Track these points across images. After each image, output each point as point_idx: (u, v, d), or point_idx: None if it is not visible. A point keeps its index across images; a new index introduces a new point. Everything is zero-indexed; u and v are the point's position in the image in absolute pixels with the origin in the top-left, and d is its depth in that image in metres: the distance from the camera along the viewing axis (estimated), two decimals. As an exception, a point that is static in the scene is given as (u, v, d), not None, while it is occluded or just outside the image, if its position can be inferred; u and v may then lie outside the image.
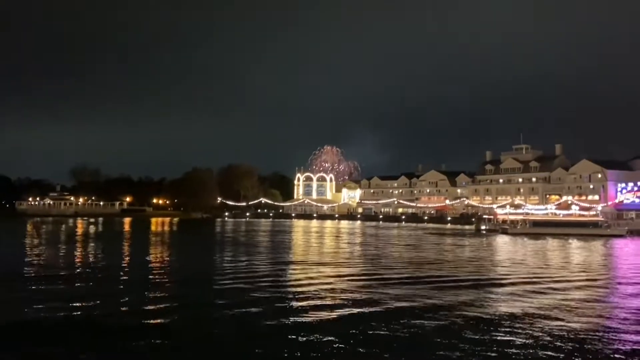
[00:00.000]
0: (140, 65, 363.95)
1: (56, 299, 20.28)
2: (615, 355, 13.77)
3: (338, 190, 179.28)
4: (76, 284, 24.45)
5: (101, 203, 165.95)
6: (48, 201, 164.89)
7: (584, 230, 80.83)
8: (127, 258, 38.17)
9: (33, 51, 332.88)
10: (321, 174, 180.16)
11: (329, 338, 15.18)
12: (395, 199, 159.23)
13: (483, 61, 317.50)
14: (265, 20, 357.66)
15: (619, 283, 27.71)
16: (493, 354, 13.76)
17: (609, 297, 23.26)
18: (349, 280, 26.83)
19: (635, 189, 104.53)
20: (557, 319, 17.97)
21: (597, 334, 16.06)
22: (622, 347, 14.45)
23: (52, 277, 26.38)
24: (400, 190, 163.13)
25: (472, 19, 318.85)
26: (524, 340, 15.15)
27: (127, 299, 20.99)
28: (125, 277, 27.52)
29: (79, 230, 77.50)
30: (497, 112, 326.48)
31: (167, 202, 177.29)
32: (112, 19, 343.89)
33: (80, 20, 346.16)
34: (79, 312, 18.31)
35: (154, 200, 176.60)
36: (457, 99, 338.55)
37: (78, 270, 29.67)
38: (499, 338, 15.05)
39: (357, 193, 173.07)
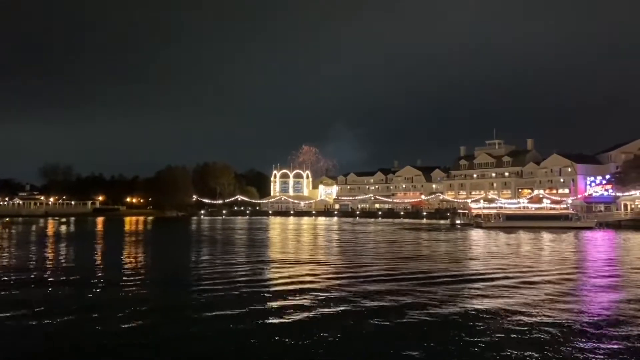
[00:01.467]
0: (113, 63, 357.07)
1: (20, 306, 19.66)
2: (590, 354, 14.01)
3: (315, 186, 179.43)
4: (37, 289, 23.77)
5: (72, 202, 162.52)
6: (17, 201, 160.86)
7: (555, 223, 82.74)
8: (97, 259, 37.28)
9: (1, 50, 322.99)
10: (298, 170, 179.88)
11: (308, 339, 15.10)
12: (371, 195, 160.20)
13: (460, 57, 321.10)
14: (242, 20, 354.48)
15: (592, 277, 28.28)
16: (463, 354, 13.84)
17: (583, 291, 23.72)
18: (326, 278, 26.79)
19: (604, 182, 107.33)
20: (531, 314, 18.23)
21: (572, 329, 16.34)
22: (597, 345, 14.71)
23: (16, 282, 25.58)
24: (377, 186, 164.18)
25: (448, 16, 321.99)
26: (499, 338, 15.31)
27: (94, 302, 20.52)
28: (93, 280, 26.88)
29: (50, 231, 75.67)
30: (472, 107, 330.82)
31: (141, 200, 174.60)
32: (83, 18, 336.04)
33: (48, 18, 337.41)
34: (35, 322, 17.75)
35: (128, 199, 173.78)
36: (432, 95, 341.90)
37: (44, 274, 28.86)
38: (468, 339, 15.13)
39: (334, 189, 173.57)
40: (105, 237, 62.74)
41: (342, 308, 18.97)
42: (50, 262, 34.61)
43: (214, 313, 18.12)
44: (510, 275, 27.87)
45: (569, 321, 17.02)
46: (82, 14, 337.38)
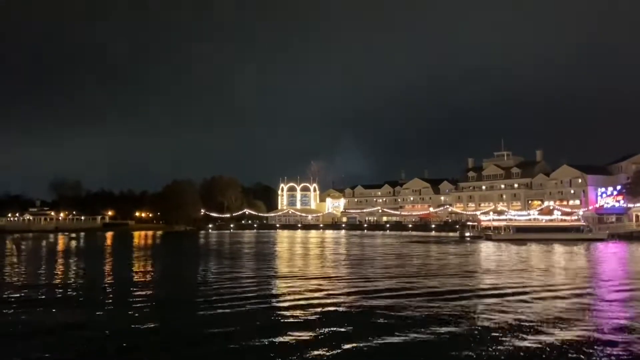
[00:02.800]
0: (118, 81, 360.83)
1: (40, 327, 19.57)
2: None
3: (322, 199, 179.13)
4: (53, 309, 23.67)
5: (82, 217, 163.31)
6: (28, 217, 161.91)
7: (566, 235, 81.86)
8: (107, 276, 37.13)
9: (11, 68, 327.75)
10: (305, 183, 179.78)
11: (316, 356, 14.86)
12: (379, 208, 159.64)
13: (464, 69, 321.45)
14: (249, 39, 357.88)
15: (607, 292, 27.66)
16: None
17: (598, 306, 23.22)
18: (335, 294, 26.42)
19: (615, 193, 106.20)
20: (547, 332, 17.86)
21: (587, 346, 15.99)
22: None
23: (28, 301, 25.48)
24: (384, 199, 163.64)
25: (454, 23, 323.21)
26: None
27: (106, 320, 20.41)
28: (102, 298, 26.79)
29: (60, 247, 75.92)
30: (478, 118, 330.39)
31: (150, 215, 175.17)
32: (89, 37, 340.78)
33: (56, 39, 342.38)
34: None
35: (136, 214, 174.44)
36: (439, 107, 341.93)
37: (57, 292, 28.78)
38: (484, 353, 14.84)
39: (341, 202, 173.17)
40: (115, 253, 62.78)
41: (351, 326, 18.65)
42: (59, 279, 34.58)
43: (220, 330, 17.98)
44: (526, 290, 27.23)
45: (584, 340, 16.64)
46: (93, 33, 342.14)
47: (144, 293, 27.18)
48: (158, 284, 31.34)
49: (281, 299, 25.06)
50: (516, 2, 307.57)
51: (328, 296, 25.42)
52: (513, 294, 25.79)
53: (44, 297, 26.12)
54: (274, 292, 27.32)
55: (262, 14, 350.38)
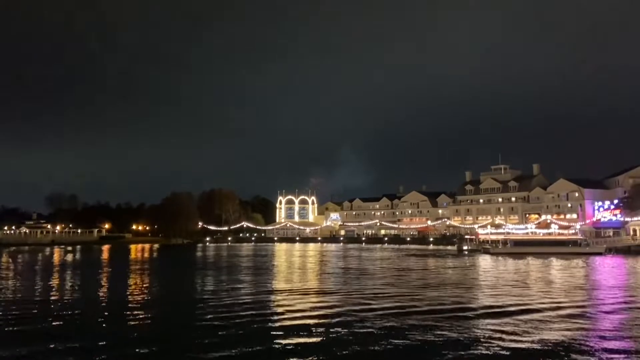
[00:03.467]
0: (115, 94, 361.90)
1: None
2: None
3: (320, 212, 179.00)
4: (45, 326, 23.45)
5: (79, 230, 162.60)
6: (24, 230, 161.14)
7: (564, 248, 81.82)
8: (100, 293, 36.44)
9: (8, 82, 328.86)
10: (303, 196, 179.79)
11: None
12: (377, 221, 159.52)
13: (461, 82, 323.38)
14: (250, 52, 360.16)
15: (609, 310, 27.11)
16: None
17: (604, 325, 22.99)
18: (334, 312, 26.04)
19: (612, 207, 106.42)
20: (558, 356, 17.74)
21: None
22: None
23: (22, 319, 25.23)
24: (382, 212, 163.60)
25: (450, 43, 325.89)
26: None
27: (102, 341, 20.23)
28: (97, 317, 26.59)
29: (55, 260, 75.52)
30: (476, 131, 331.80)
31: (147, 228, 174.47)
32: (88, 55, 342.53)
33: (54, 54, 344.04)
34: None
35: (133, 227, 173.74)
36: (436, 120, 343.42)
37: (51, 309, 28.54)
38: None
39: (340, 215, 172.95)
40: (110, 267, 62.44)
41: (351, 349, 18.48)
42: (54, 294, 34.36)
43: (218, 354, 17.76)
44: (528, 308, 26.90)
45: None
46: (89, 44, 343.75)
47: (138, 314, 26.67)
48: (152, 303, 30.38)
49: (279, 318, 24.66)
50: (514, 23, 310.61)
51: (327, 316, 25.01)
52: (521, 312, 25.31)
53: (36, 316, 25.92)
54: (272, 310, 26.98)
55: (262, 31, 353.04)
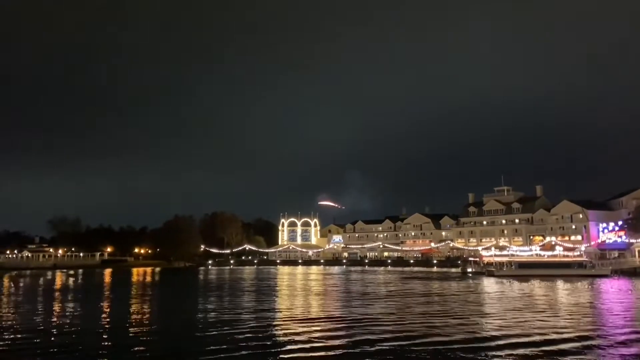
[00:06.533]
0: (117, 119, 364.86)
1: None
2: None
3: (323, 235, 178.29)
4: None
5: (81, 254, 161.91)
6: (26, 253, 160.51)
7: (569, 271, 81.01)
8: (101, 320, 35.92)
9: (8, 103, 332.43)
10: (305, 218, 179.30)
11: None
12: (380, 243, 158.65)
13: (462, 105, 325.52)
14: (249, 78, 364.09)
15: (621, 337, 26.50)
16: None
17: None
18: (339, 344, 25.50)
19: (617, 228, 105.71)
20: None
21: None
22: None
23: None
24: (385, 234, 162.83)
25: (453, 68, 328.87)
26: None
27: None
28: (93, 347, 26.28)
29: (57, 284, 75.08)
30: (478, 154, 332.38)
31: (149, 251, 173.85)
32: (91, 79, 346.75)
33: (53, 69, 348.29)
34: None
35: (136, 250, 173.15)
36: (439, 143, 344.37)
37: (39, 338, 28.14)
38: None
39: (342, 237, 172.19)
40: (112, 291, 61.99)
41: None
42: (53, 322, 34.03)
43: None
44: (542, 339, 25.91)
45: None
46: (93, 68, 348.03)
47: (139, 343, 26.45)
48: (154, 333, 29.68)
49: (284, 349, 24.01)
50: (517, 37, 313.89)
51: (332, 347, 24.54)
52: (532, 345, 24.26)
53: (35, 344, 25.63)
54: (276, 340, 26.29)
55: (262, 56, 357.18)
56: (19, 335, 27.65)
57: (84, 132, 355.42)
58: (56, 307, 43.04)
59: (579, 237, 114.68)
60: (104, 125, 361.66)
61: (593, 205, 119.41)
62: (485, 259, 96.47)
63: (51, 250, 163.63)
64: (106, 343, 25.87)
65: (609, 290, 56.48)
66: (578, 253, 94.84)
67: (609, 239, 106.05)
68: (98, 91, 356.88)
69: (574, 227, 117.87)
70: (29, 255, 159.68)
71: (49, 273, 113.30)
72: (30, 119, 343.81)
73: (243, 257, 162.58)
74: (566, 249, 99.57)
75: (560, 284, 64.24)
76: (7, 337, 27.43)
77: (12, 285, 73.88)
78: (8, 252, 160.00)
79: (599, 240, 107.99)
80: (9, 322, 33.19)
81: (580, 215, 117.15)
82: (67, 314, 38.30)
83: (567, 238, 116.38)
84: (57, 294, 57.44)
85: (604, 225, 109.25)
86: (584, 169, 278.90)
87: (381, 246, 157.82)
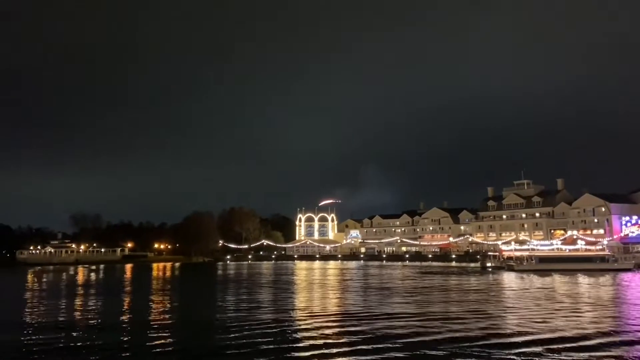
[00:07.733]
0: (137, 112, 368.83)
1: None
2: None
3: (340, 230, 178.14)
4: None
5: (102, 250, 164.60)
6: (49, 249, 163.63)
7: (591, 265, 79.74)
8: (124, 316, 36.39)
9: (33, 100, 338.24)
10: (323, 214, 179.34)
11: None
12: (398, 238, 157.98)
13: (482, 96, 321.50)
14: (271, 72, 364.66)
15: None
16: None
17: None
18: (358, 339, 25.56)
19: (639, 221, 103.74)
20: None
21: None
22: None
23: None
24: (403, 229, 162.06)
25: (470, 59, 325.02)
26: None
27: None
28: (117, 342, 26.59)
29: (79, 280, 76.38)
30: (497, 147, 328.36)
31: (169, 246, 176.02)
32: (111, 77, 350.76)
33: (75, 69, 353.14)
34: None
35: (156, 246, 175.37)
36: (456, 137, 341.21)
37: (65, 333, 28.54)
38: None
39: (360, 232, 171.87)
40: (133, 287, 62.80)
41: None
42: (78, 316, 34.60)
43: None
44: (566, 335, 25.53)
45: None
46: (115, 65, 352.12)
47: (161, 338, 26.69)
48: (175, 329, 29.56)
49: (302, 346, 23.91)
50: (538, 33, 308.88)
51: (350, 343, 24.43)
52: (554, 341, 23.83)
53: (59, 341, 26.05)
54: (295, 336, 26.21)
55: (281, 45, 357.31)
56: (43, 332, 28.12)
57: (106, 129, 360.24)
58: (79, 302, 43.70)
59: (601, 231, 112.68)
60: (126, 122, 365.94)
61: (615, 198, 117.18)
62: (505, 254, 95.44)
63: (73, 246, 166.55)
64: (126, 338, 26.16)
65: (633, 285, 55.42)
66: (600, 247, 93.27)
67: (632, 232, 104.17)
68: (119, 90, 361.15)
69: (596, 220, 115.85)
70: (52, 251, 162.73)
71: (72, 268, 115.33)
72: (48, 118, 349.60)
73: (261, 252, 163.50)
74: (588, 242, 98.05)
75: (582, 279, 63.23)
76: (32, 332, 27.95)
77: (36, 280, 75.37)
78: (32, 248, 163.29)
79: (622, 234, 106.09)
80: (34, 318, 33.84)
81: (603, 209, 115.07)
82: (89, 311, 38.78)
83: (589, 232, 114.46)
84: (79, 290, 58.37)
85: (627, 218, 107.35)
86: (605, 158, 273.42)
87: (399, 241, 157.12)
